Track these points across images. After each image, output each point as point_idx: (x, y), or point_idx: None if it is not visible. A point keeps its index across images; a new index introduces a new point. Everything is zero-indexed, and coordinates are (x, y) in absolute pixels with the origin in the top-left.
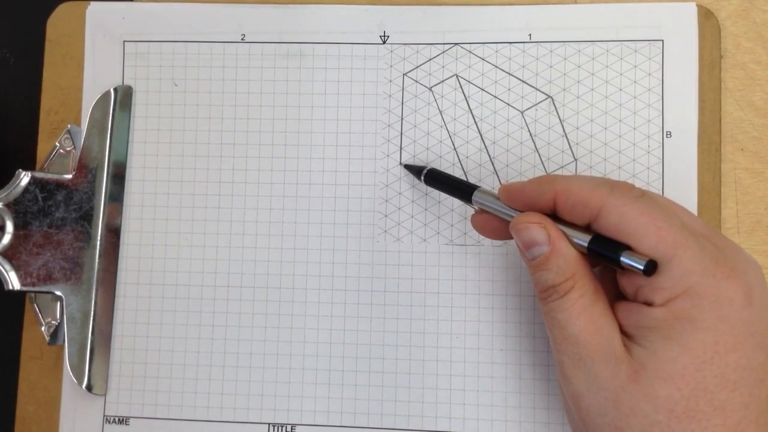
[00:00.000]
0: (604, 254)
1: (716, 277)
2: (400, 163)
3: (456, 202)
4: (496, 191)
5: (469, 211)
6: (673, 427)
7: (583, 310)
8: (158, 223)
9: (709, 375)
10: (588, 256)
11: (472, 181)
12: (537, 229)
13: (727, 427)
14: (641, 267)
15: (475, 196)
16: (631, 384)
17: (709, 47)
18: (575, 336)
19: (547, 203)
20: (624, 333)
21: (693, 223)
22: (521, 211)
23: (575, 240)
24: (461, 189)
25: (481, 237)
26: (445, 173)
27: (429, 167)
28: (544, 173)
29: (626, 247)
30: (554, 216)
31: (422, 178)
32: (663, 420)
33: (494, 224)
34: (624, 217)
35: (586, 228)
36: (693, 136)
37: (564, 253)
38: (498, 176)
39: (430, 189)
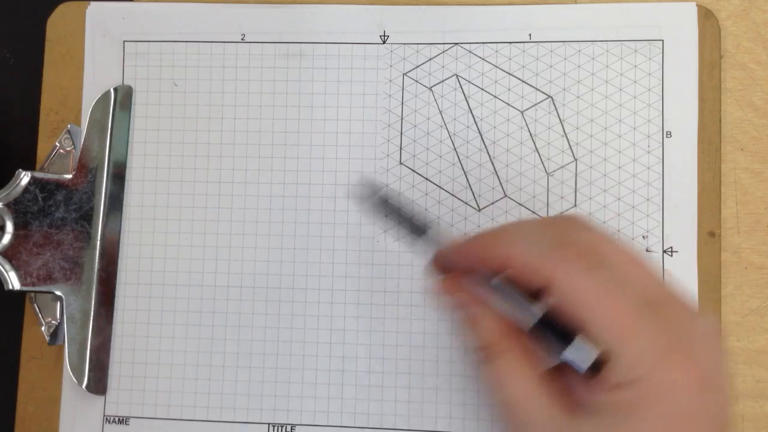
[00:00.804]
0: (548, 343)
1: (669, 364)
2: (401, 163)
3: (456, 202)
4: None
5: (470, 211)
6: None
7: (517, 375)
8: (158, 223)
9: None
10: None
11: (472, 180)
12: (458, 293)
13: None
14: (582, 368)
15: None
16: None
17: (709, 47)
18: (508, 399)
19: (496, 266)
20: (570, 398)
21: (652, 291)
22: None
23: (520, 316)
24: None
25: None
26: (394, 204)
27: (381, 193)
28: (544, 173)
29: (568, 342)
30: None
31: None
32: None
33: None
34: (573, 294)
35: (536, 295)
36: (693, 136)
37: (492, 317)
38: (498, 176)
39: (430, 188)
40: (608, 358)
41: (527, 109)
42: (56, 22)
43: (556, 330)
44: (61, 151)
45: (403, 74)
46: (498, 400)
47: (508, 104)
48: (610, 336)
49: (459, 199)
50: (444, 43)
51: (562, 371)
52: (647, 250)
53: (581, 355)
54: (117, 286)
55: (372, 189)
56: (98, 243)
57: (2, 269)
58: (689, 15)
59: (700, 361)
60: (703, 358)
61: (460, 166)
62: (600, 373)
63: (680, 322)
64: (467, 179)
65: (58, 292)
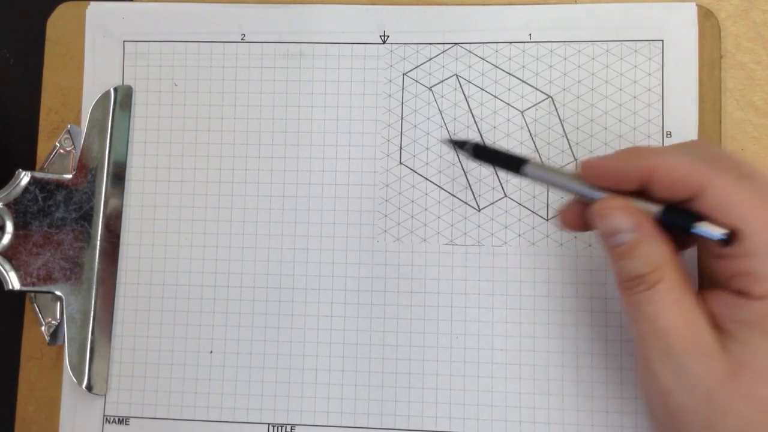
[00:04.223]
0: (679, 225)
1: None
2: (401, 163)
3: (456, 202)
4: (548, 164)
5: (470, 211)
6: None
7: (674, 303)
8: (158, 223)
9: None
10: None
11: (472, 180)
12: (622, 215)
13: None
14: (719, 238)
15: (528, 169)
16: (728, 383)
17: (709, 47)
18: (665, 330)
19: (638, 181)
20: (718, 326)
21: None
22: (596, 188)
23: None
24: (512, 163)
25: (482, 237)
26: (492, 148)
27: (474, 142)
28: None
29: (700, 218)
30: (638, 193)
31: (469, 151)
32: (762, 420)
33: (579, 215)
34: (727, 199)
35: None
36: (693, 136)
37: (653, 241)
38: (498, 176)
39: (430, 188)
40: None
41: (527, 109)
42: (56, 22)
43: (683, 218)
44: (61, 151)
45: (403, 74)
46: (649, 331)
47: (508, 104)
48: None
49: (459, 199)
50: (444, 43)
51: (709, 298)
52: None
53: (714, 228)
54: (117, 286)
55: (461, 142)
56: (98, 243)
57: (2, 269)
58: (689, 15)
59: None
60: None
61: (460, 166)
62: (755, 271)
63: None
64: (467, 179)
65: (58, 292)
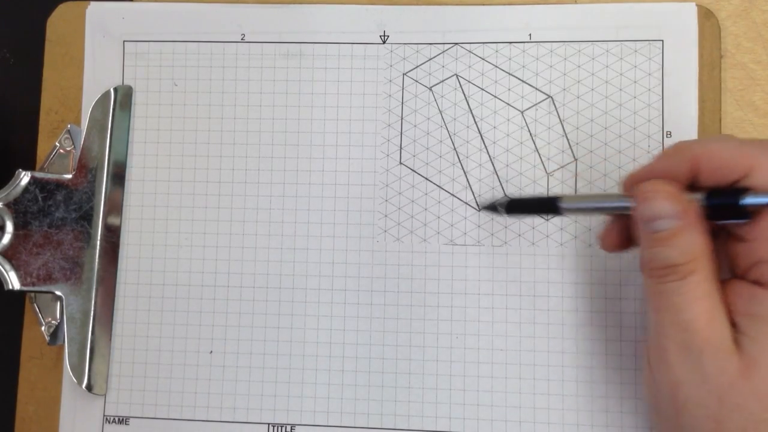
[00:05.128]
0: (726, 203)
1: None
2: (401, 163)
3: (456, 202)
4: (581, 194)
5: (470, 211)
6: None
7: (702, 297)
8: (158, 223)
9: None
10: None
11: (472, 180)
12: (667, 200)
13: None
14: None
15: (564, 203)
16: (741, 380)
17: (709, 47)
18: (688, 323)
19: (685, 176)
20: (731, 320)
21: None
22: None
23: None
24: (546, 205)
25: (482, 237)
26: (525, 198)
27: (508, 198)
28: (544, 173)
29: (747, 189)
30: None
31: (504, 209)
32: None
33: (622, 235)
34: None
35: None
36: (693, 136)
37: (694, 231)
38: (498, 176)
39: (430, 188)
40: None
41: (527, 109)
42: (56, 22)
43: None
44: (61, 151)
45: (403, 74)
46: (672, 322)
47: (508, 104)
48: None
49: (459, 199)
50: (444, 43)
51: (726, 288)
52: None
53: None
54: (117, 286)
55: (496, 202)
56: (98, 243)
57: (2, 269)
58: (689, 15)
59: None
60: None
61: (460, 166)
62: None
63: None
64: (467, 179)
65: (58, 292)
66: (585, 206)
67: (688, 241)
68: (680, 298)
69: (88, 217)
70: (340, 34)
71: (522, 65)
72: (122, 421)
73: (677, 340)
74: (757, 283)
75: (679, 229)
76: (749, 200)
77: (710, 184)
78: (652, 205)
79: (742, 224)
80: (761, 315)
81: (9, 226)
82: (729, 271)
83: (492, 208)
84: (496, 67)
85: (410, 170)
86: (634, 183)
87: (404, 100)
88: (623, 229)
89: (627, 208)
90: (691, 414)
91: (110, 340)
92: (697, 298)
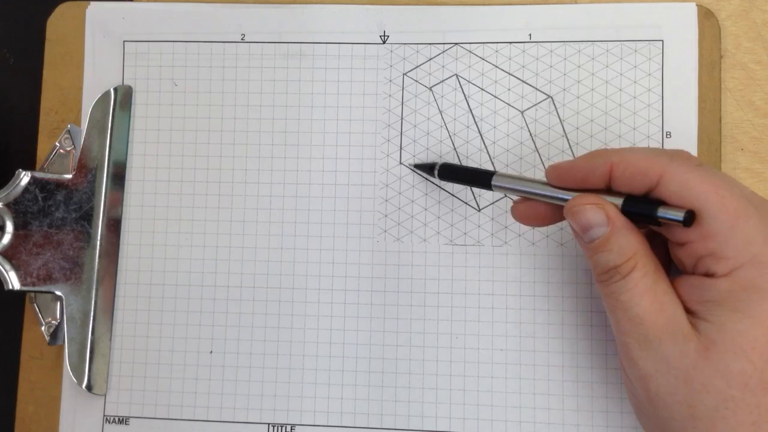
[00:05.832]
0: (640, 213)
1: None
2: (401, 163)
3: (456, 202)
4: (513, 173)
5: (470, 211)
6: (748, 401)
7: (647, 290)
8: (158, 223)
9: None
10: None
11: None
12: (594, 211)
13: None
14: (680, 219)
15: (495, 180)
16: (702, 361)
17: (709, 47)
18: (640, 316)
19: (601, 178)
20: (687, 309)
21: (750, 195)
22: (568, 190)
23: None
24: (479, 178)
25: (482, 237)
26: (459, 165)
27: (441, 162)
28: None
29: (661, 203)
30: (605, 191)
31: (435, 173)
32: (737, 395)
33: (537, 211)
34: (685, 185)
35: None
36: (693, 136)
37: (624, 233)
38: None
39: (430, 188)
40: (724, 238)
41: (527, 109)
42: (56, 22)
43: (643, 206)
44: (61, 151)
45: (403, 74)
46: (625, 319)
47: (508, 104)
48: (726, 215)
49: (459, 199)
50: (444, 43)
51: (677, 284)
52: None
53: (674, 211)
54: (117, 286)
55: (430, 165)
56: (98, 243)
57: (2, 269)
58: (689, 15)
59: None
60: None
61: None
62: (717, 252)
63: None
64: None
65: (58, 292)
66: (515, 188)
67: (621, 242)
68: (627, 295)
69: (88, 217)
70: (340, 34)
71: (522, 65)
72: (122, 421)
73: (635, 336)
74: (706, 275)
75: (610, 233)
76: (660, 214)
77: (626, 190)
78: (582, 218)
79: (674, 229)
80: (714, 299)
81: (9, 226)
82: (678, 271)
83: (427, 168)
84: (496, 67)
85: (410, 170)
86: (557, 173)
87: (404, 100)
88: (537, 208)
89: (553, 198)
90: (664, 403)
91: (110, 340)
92: (643, 291)
